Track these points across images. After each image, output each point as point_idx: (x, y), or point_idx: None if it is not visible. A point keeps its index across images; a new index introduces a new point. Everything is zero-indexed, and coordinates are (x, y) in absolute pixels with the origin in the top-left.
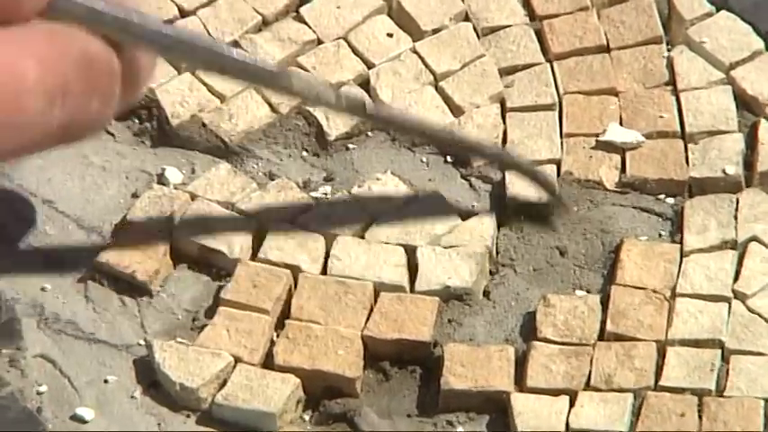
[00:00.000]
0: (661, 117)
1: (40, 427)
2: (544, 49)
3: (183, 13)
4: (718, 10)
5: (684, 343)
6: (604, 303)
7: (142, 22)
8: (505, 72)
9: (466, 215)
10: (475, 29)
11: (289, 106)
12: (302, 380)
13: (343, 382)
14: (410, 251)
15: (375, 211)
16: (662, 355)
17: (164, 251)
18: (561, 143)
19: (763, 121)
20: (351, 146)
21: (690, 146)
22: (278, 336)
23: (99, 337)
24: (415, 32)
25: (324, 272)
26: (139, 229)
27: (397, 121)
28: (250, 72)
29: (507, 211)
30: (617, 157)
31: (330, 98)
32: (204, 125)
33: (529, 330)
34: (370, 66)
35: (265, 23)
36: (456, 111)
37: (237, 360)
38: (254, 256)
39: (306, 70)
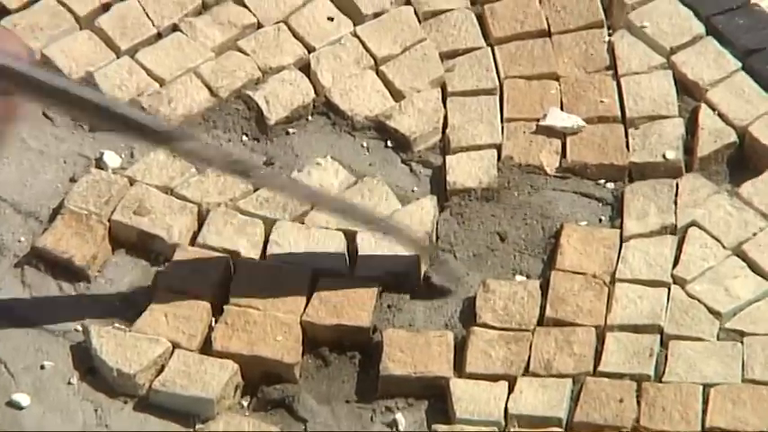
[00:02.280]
0: (602, 102)
1: None
2: (485, 34)
3: None
4: None
5: (624, 328)
6: (544, 289)
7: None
8: (446, 56)
9: (406, 200)
10: (416, 13)
11: (228, 90)
12: (241, 366)
13: (282, 367)
14: (350, 236)
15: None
16: (601, 340)
17: (102, 236)
18: (502, 128)
19: (703, 106)
20: (291, 130)
21: (630, 131)
22: (216, 321)
23: (36, 322)
24: (356, 16)
25: (263, 257)
26: (77, 214)
27: (288, 189)
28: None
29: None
30: (557, 142)
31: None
32: (143, 109)
33: (468, 316)
34: (310, 50)
35: (205, 7)
36: (396, 95)
37: (175, 346)
38: (192, 241)
39: (246, 54)
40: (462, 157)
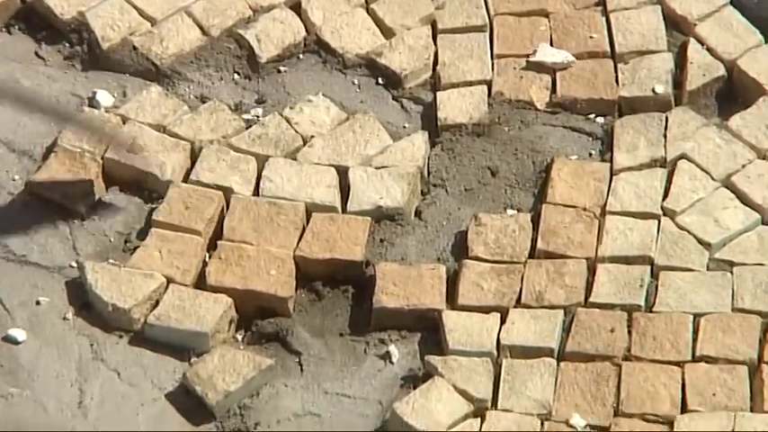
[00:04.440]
0: (591, 37)
1: None
2: None
3: None
4: None
5: (614, 260)
6: (535, 222)
7: None
8: None
9: (397, 136)
10: None
11: (220, 29)
12: (234, 300)
13: (276, 301)
14: (342, 172)
15: (307, 133)
16: (592, 272)
17: (95, 174)
18: (492, 64)
19: (692, 40)
20: (282, 68)
21: (619, 65)
22: (210, 257)
23: (31, 259)
24: None
25: (256, 193)
26: (71, 152)
27: None
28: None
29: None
30: (547, 78)
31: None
32: (135, 48)
33: (460, 249)
34: None
35: None
36: (387, 33)
37: (170, 281)
38: (185, 178)
39: None
40: (453, 94)
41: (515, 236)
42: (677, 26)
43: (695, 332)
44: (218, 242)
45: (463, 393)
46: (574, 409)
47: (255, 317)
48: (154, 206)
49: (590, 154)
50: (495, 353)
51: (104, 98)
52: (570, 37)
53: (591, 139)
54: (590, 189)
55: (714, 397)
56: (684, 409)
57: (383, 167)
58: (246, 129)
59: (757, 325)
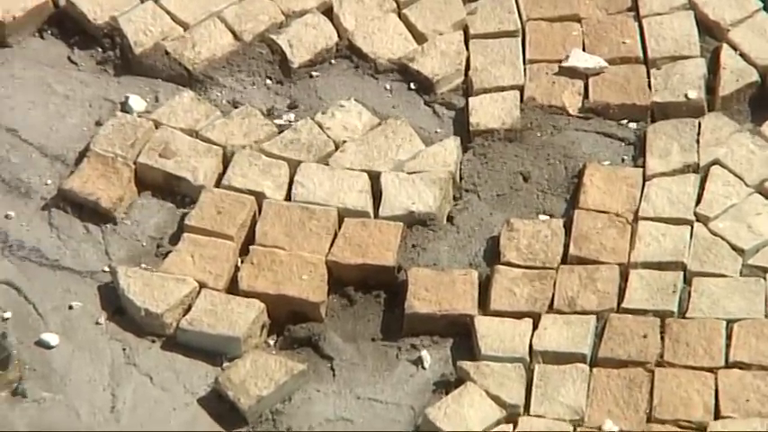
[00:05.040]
0: (624, 43)
1: (5, 352)
2: None
3: None
4: None
5: (647, 266)
6: (567, 227)
7: None
8: None
9: (429, 141)
10: None
11: (252, 34)
12: (267, 305)
13: (308, 306)
14: (374, 177)
15: (339, 138)
16: (624, 277)
17: (128, 178)
18: (524, 69)
19: (725, 45)
20: (314, 73)
21: (652, 71)
22: (242, 261)
23: (63, 263)
24: None
25: (288, 198)
26: (103, 157)
27: None
28: None
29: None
30: (580, 83)
31: None
32: (167, 53)
33: (492, 255)
34: None
35: None
36: (419, 38)
37: (202, 285)
38: (218, 183)
39: None
40: (485, 99)
41: (548, 241)
42: (710, 31)
43: (728, 338)
44: (251, 247)
45: (495, 399)
46: (606, 414)
47: (287, 322)
48: (186, 211)
49: (622, 159)
50: (528, 358)
51: (137, 103)
52: (603, 42)
53: (623, 144)
54: (622, 194)
55: (747, 403)
56: (718, 415)
57: (415, 173)
58: (279, 134)
59: None
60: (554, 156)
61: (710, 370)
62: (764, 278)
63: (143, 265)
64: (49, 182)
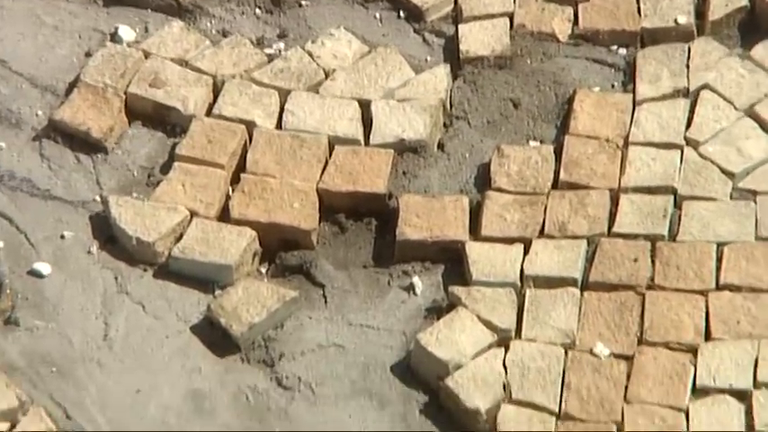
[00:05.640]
0: None
1: None
2: None
3: None
4: None
5: (637, 190)
6: (558, 153)
7: None
8: None
9: (419, 69)
10: None
11: None
12: (258, 233)
13: (299, 234)
14: (364, 105)
15: (329, 67)
16: (615, 202)
17: (118, 108)
18: None
19: None
20: (304, 2)
21: None
22: (233, 190)
23: (55, 193)
24: None
25: (278, 126)
26: (94, 87)
27: None
28: None
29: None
30: (569, 10)
31: None
32: None
33: (483, 181)
34: None
35: None
36: None
37: (193, 214)
38: (208, 113)
39: None
40: (475, 26)
41: (538, 167)
42: None
43: (719, 261)
44: (242, 175)
45: (487, 324)
46: (597, 338)
47: (279, 249)
48: (177, 140)
49: (612, 85)
50: (519, 283)
51: (126, 33)
52: None
53: (613, 70)
54: (612, 120)
55: (738, 325)
56: (708, 337)
57: (405, 100)
58: (268, 63)
59: None
60: (544, 82)
61: (701, 293)
62: (754, 201)
63: (134, 195)
64: (40, 113)
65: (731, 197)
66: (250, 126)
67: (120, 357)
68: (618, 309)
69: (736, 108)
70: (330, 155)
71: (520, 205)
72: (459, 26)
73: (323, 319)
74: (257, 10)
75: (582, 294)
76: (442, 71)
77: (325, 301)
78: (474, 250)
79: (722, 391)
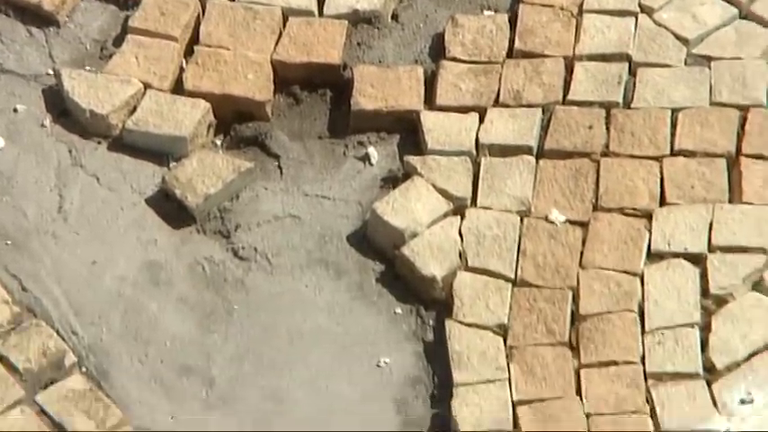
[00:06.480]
0: None
1: None
2: None
3: None
4: None
5: (592, 58)
6: (512, 22)
7: None
8: None
9: None
10: None
11: None
12: (212, 104)
13: (254, 105)
14: None
15: None
16: (570, 70)
17: None
18: None
19: None
20: None
21: None
22: (187, 62)
23: (6, 67)
24: None
25: None
26: None
27: None
28: None
29: None
30: None
31: None
32: None
33: (438, 51)
34: None
35: None
36: None
37: (147, 86)
38: None
39: None
40: None
41: (492, 36)
42: None
43: (673, 127)
44: (195, 47)
45: (442, 192)
46: (553, 204)
47: (234, 121)
48: (129, 13)
49: None
50: (474, 152)
51: None
52: None
53: None
54: None
55: (692, 189)
56: (663, 202)
57: None
58: None
59: (735, 118)
60: None
61: (656, 158)
62: (709, 67)
63: (87, 68)
64: None
65: (686, 63)
66: None
67: (75, 229)
68: (573, 176)
69: None
70: (284, 26)
71: (474, 74)
72: None
73: (278, 190)
74: None
75: (537, 162)
76: None
77: (281, 173)
78: (429, 119)
79: (677, 255)
